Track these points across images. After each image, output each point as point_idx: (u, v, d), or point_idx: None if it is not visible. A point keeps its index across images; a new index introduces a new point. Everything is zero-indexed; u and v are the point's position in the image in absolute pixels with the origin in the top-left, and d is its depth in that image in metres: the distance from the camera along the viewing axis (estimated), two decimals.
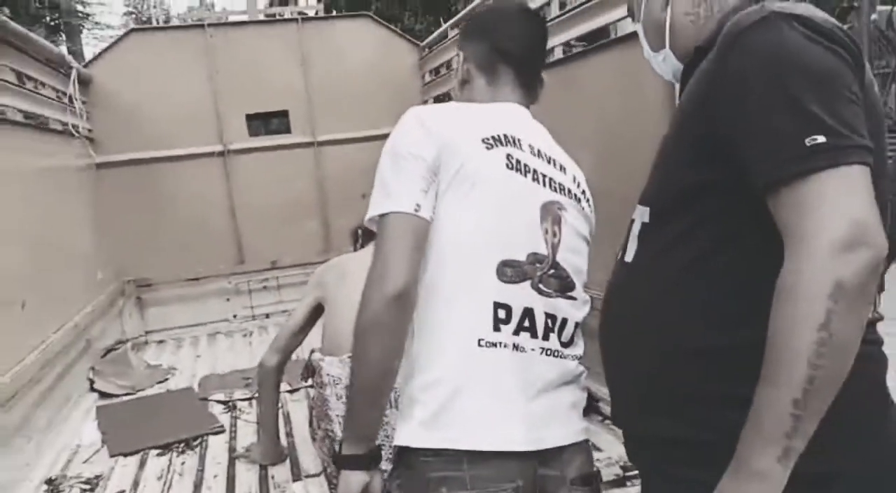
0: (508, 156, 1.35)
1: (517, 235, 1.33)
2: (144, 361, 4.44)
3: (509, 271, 1.31)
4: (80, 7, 16.18)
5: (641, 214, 1.25)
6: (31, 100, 3.68)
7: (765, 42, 1.04)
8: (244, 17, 5.66)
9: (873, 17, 11.20)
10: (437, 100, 5.12)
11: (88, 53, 17.09)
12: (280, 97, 5.23)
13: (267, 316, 5.25)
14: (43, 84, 3.90)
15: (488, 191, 1.31)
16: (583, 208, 1.47)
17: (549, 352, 1.37)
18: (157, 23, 27.86)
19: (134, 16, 32.38)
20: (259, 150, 5.22)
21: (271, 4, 16.05)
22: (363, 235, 2.81)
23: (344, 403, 2.32)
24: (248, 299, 5.28)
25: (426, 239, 1.29)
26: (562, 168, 1.46)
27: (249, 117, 5.20)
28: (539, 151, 1.43)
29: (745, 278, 1.10)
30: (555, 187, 1.41)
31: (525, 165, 1.37)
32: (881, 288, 1.16)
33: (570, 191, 1.44)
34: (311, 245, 5.28)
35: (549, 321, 1.37)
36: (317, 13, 6.56)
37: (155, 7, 30.16)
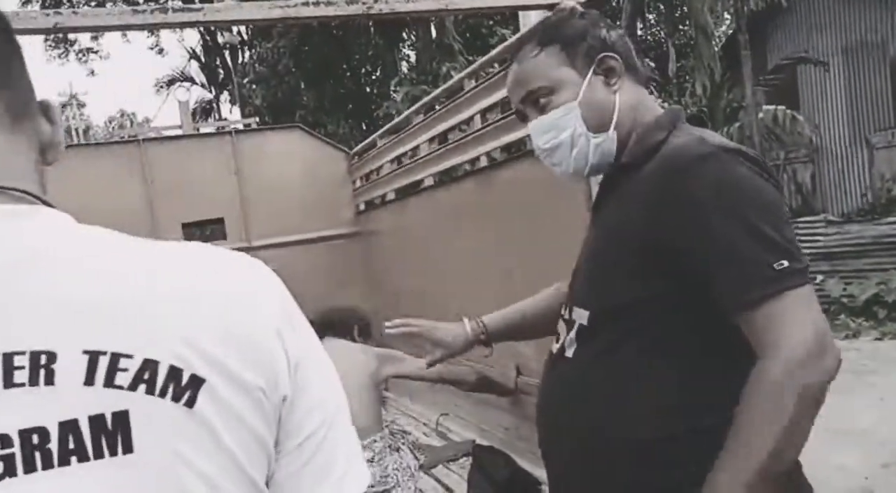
0: None
1: None
2: None
3: None
4: None
5: (580, 316, 1.33)
6: None
7: (720, 174, 1.16)
8: (178, 131, 5.87)
9: (760, 115, 12.16)
10: (368, 204, 5.38)
11: None
12: (215, 206, 5.39)
13: None
14: None
15: None
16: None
17: None
18: (77, 133, 27.73)
19: None
20: None
21: (194, 118, 16.29)
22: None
23: None
24: None
25: None
26: (41, 366, 0.56)
27: (185, 226, 5.32)
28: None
29: (683, 376, 1.22)
30: (12, 458, 0.54)
31: None
32: None
33: (94, 422, 0.56)
34: None
35: None
36: (249, 126, 6.81)
37: (74, 118, 30.01)
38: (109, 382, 0.56)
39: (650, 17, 17.66)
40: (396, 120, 5.02)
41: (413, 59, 17.75)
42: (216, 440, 0.58)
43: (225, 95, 24.13)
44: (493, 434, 3.38)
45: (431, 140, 4.11)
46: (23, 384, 0.54)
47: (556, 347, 1.40)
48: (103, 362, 0.56)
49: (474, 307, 3.88)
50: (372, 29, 16.35)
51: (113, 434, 0.55)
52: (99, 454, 0.55)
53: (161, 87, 23.34)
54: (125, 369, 0.56)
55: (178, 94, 21.37)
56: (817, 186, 14.41)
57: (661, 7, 16.90)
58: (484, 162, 3.50)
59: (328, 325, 2.93)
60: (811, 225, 11.00)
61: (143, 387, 0.56)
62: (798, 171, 14.27)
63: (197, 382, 0.58)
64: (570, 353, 1.34)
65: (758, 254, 1.12)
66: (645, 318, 1.24)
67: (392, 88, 14.91)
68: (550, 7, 2.52)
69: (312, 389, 0.66)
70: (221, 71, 23.27)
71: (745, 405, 1.11)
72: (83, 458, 0.54)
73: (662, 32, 18.33)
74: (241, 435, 0.59)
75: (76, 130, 28.73)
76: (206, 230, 5.53)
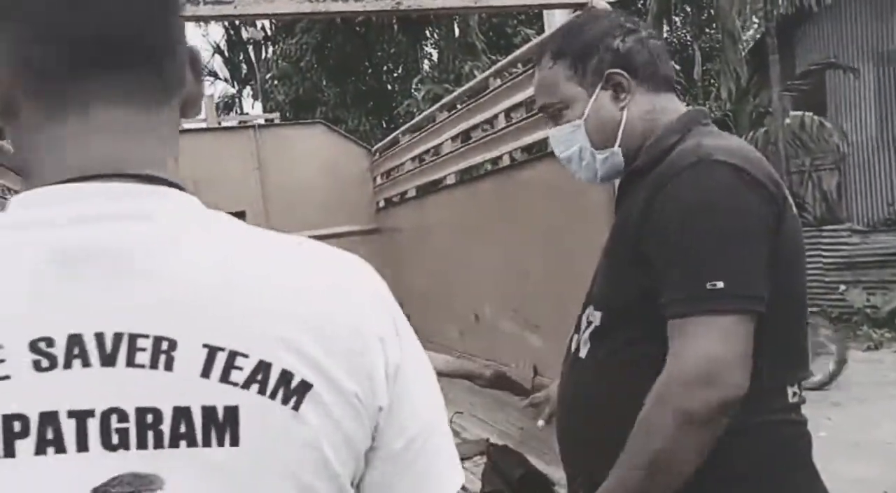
0: None
1: None
2: None
3: None
4: None
5: (593, 317, 1.35)
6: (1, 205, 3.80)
7: (692, 187, 1.19)
8: (203, 124, 5.91)
9: (787, 121, 12.04)
10: (388, 202, 5.38)
11: None
12: (237, 199, 5.41)
13: None
14: (9, 189, 4.01)
15: None
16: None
17: None
18: None
19: None
20: None
21: (217, 112, 16.45)
22: None
23: None
24: None
25: None
26: (162, 351, 0.59)
27: None
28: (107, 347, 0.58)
29: None
30: (123, 433, 0.58)
31: (8, 425, 0.56)
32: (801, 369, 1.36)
33: (206, 412, 0.59)
34: None
35: None
36: (272, 121, 6.85)
37: None
38: (225, 378, 0.58)
39: (677, 19, 17.53)
40: (419, 117, 5.03)
41: (435, 57, 17.76)
42: (315, 444, 0.60)
43: (247, 91, 24.31)
44: (507, 434, 3.37)
45: (454, 138, 4.10)
46: (143, 366, 0.57)
47: (572, 347, 1.41)
48: (221, 358, 0.58)
49: (492, 307, 3.88)
50: (395, 26, 16.37)
51: (222, 426, 0.58)
52: (207, 443, 0.58)
53: None
54: (240, 368, 0.59)
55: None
56: (843, 195, 14.25)
57: (688, 9, 16.78)
58: (506, 161, 3.48)
59: None
60: (835, 234, 10.88)
61: (255, 387, 0.59)
62: (824, 178, 14.12)
63: (305, 387, 0.60)
64: (583, 353, 1.36)
65: (697, 271, 1.14)
66: (653, 320, 1.25)
67: (414, 85, 14.94)
68: (577, 6, 2.50)
69: (412, 397, 0.67)
70: (245, 66, 23.44)
71: (638, 418, 1.14)
72: (192, 444, 0.57)
73: (689, 35, 18.20)
74: (336, 439, 0.61)
75: None
76: None
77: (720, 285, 1.11)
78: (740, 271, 1.13)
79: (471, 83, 4.28)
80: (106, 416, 0.56)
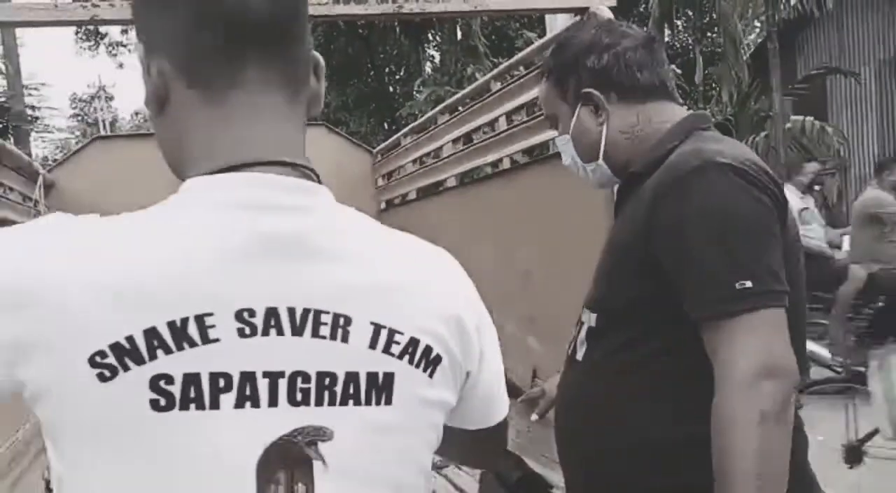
0: (160, 381, 0.65)
1: None
2: None
3: None
4: (29, 111, 16.33)
5: (589, 319, 1.37)
6: (1, 205, 3.81)
7: (701, 191, 1.20)
8: None
9: (788, 125, 12.04)
10: (390, 203, 5.40)
11: (34, 154, 17.14)
12: None
13: None
14: (11, 189, 4.03)
15: (125, 463, 0.67)
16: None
17: None
18: (105, 125, 28.05)
19: (80, 118, 32.53)
20: None
21: None
22: None
23: None
24: None
25: None
26: (340, 326, 0.72)
27: None
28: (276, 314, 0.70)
29: (684, 380, 1.23)
30: (306, 392, 0.71)
31: (215, 381, 0.67)
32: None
33: (369, 377, 0.73)
34: None
35: None
36: None
37: (101, 109, 30.35)
38: (386, 349, 0.73)
39: (678, 22, 17.53)
40: (421, 119, 5.04)
41: (437, 60, 17.77)
42: (440, 401, 0.78)
43: None
44: None
45: (455, 141, 4.12)
46: (325, 337, 0.70)
47: (569, 350, 1.43)
48: (384, 334, 0.73)
49: (492, 309, 3.88)
50: (397, 29, 16.39)
51: (381, 389, 0.72)
52: (368, 402, 0.72)
53: None
54: (398, 342, 0.73)
55: None
56: (844, 199, 14.25)
57: (690, 13, 16.78)
58: (507, 164, 3.50)
59: None
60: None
61: (406, 357, 0.74)
62: (824, 183, 14.11)
63: (438, 359, 0.76)
64: (580, 355, 1.37)
65: (721, 272, 1.15)
66: (654, 321, 1.27)
67: (416, 88, 14.95)
68: (579, 11, 2.52)
69: (492, 365, 0.86)
70: None
71: (715, 440, 1.14)
72: (357, 402, 0.71)
73: (690, 39, 18.21)
74: (449, 394, 0.80)
75: (104, 121, 29.02)
76: None
77: (748, 284, 1.13)
78: (764, 267, 1.16)
79: (472, 86, 4.30)
80: (293, 377, 0.69)
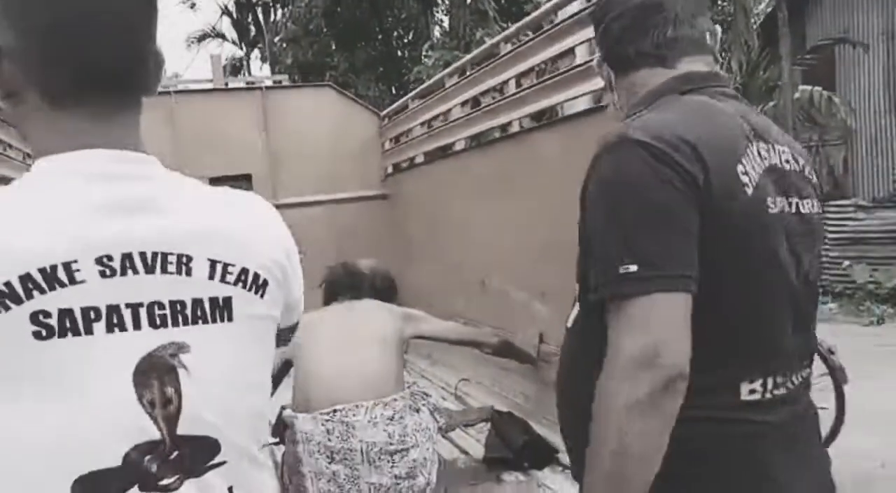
0: (39, 316, 0.80)
1: (94, 435, 0.83)
2: None
3: (98, 488, 0.84)
4: None
5: (575, 288, 1.35)
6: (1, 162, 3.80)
7: (608, 169, 1.16)
8: (209, 85, 5.86)
9: (795, 95, 11.94)
10: (397, 167, 5.37)
11: None
12: (243, 162, 5.40)
13: None
14: (10, 146, 4.01)
15: (15, 391, 0.80)
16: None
17: None
18: None
19: None
20: None
21: (224, 74, 16.34)
22: (324, 294, 2.96)
23: (316, 459, 2.42)
24: None
25: None
26: (183, 263, 0.89)
27: (212, 181, 5.33)
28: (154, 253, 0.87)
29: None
30: (163, 317, 0.87)
31: (86, 314, 0.82)
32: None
33: (211, 301, 0.91)
34: None
35: None
36: (279, 83, 6.81)
37: None
38: (222, 279, 0.91)
39: None
40: (429, 82, 4.98)
41: (446, 24, 17.57)
42: (270, 316, 0.98)
43: (255, 54, 24.10)
44: (512, 401, 3.40)
45: (463, 104, 4.08)
46: (172, 273, 0.87)
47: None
48: (219, 267, 0.91)
49: (498, 274, 3.89)
50: None
51: (223, 310, 0.91)
52: (214, 320, 0.90)
53: (192, 42, 23.29)
54: (231, 273, 0.92)
55: (209, 48, 21.36)
56: (850, 170, 14.18)
57: None
58: (515, 128, 3.47)
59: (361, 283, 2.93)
60: (841, 209, 10.84)
61: (240, 284, 0.93)
62: (830, 153, 14.04)
63: (266, 283, 0.95)
64: (569, 322, 1.37)
65: (610, 254, 1.11)
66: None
67: (424, 52, 14.80)
68: None
69: (298, 281, 1.05)
70: (253, 28, 23.21)
71: (592, 413, 1.13)
72: (205, 321, 0.90)
73: None
74: (277, 310, 0.99)
75: None
76: (233, 187, 5.54)
77: (633, 268, 1.08)
78: (657, 252, 1.10)
79: (481, 48, 4.25)
80: (150, 306, 0.86)
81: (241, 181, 5.47)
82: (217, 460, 0.92)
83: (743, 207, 1.16)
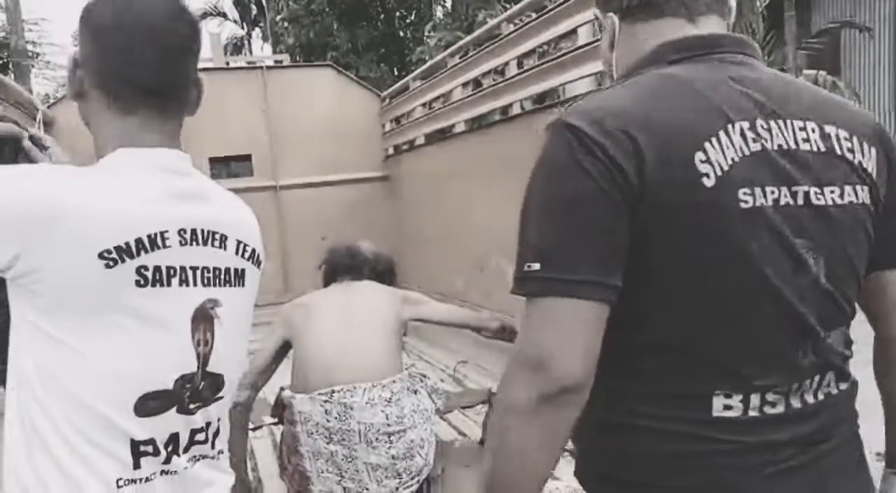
0: (142, 269, 1.08)
1: (161, 362, 1.13)
2: None
3: (152, 404, 1.12)
4: (30, 47, 16.10)
5: None
6: None
7: (541, 153, 1.04)
8: (209, 64, 5.82)
9: (801, 79, 11.86)
10: (397, 149, 5.34)
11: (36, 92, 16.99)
12: (243, 142, 5.38)
13: None
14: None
15: (116, 323, 1.08)
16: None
17: (199, 458, 1.22)
18: None
19: None
20: None
21: (225, 53, 16.22)
22: (324, 275, 2.95)
23: (314, 439, 2.43)
24: None
25: None
26: (222, 240, 1.21)
27: (212, 160, 5.32)
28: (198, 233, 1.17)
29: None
30: (209, 279, 1.18)
31: (168, 271, 1.11)
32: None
33: (235, 271, 1.23)
34: (270, 286, 5.38)
35: (197, 435, 1.20)
36: (280, 62, 6.76)
37: None
38: (242, 255, 1.23)
39: None
40: (430, 62, 4.94)
41: (449, 4, 17.44)
42: (257, 286, 1.30)
43: (256, 33, 23.94)
44: None
45: (465, 85, 4.05)
46: (216, 247, 1.19)
47: None
48: (242, 246, 1.23)
49: (498, 256, 3.88)
50: None
51: (241, 278, 1.23)
52: (236, 284, 1.22)
53: None
54: (247, 251, 1.24)
55: (209, 26, 21.20)
56: None
57: None
58: (516, 110, 3.45)
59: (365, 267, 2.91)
60: None
61: (251, 260, 1.25)
62: None
63: (260, 261, 1.29)
64: None
65: (521, 250, 1.03)
66: None
67: (426, 33, 14.71)
68: None
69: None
70: (254, 7, 23.04)
71: None
72: (231, 285, 1.21)
73: None
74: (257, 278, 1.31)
75: None
76: (232, 167, 5.52)
77: (535, 267, 1.00)
78: (560, 252, 0.99)
79: (483, 28, 4.21)
80: (203, 270, 1.17)
81: (241, 161, 5.46)
82: (219, 394, 1.22)
83: (697, 201, 0.98)
